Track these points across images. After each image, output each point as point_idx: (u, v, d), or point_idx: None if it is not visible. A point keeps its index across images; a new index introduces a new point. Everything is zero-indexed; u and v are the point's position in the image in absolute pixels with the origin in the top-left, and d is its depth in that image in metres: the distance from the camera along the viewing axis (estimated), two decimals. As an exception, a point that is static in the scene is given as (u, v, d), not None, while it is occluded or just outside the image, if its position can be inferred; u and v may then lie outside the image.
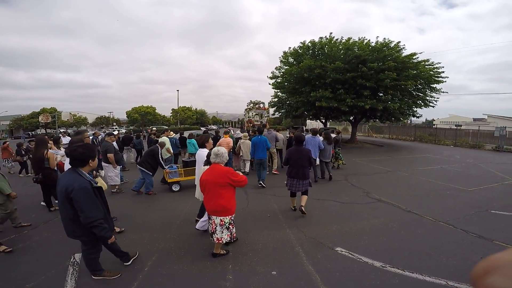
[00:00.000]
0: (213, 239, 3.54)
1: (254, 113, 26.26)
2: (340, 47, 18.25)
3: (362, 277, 3.20)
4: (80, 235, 2.96)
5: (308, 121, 35.80)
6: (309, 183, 5.33)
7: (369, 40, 18.41)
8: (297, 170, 5.18)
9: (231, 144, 8.55)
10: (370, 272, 3.29)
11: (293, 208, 5.48)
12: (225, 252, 3.79)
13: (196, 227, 4.46)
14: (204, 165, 4.17)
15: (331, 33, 19.10)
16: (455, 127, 22.31)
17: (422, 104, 18.69)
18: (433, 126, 29.31)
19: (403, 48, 17.70)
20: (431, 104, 18.98)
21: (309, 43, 19.69)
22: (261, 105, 26.47)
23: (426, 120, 53.54)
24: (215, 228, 3.49)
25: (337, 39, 18.97)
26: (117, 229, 4.54)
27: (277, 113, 25.49)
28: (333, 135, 10.26)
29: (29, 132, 47.24)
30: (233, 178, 3.51)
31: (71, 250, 3.90)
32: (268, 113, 28.02)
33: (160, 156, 6.97)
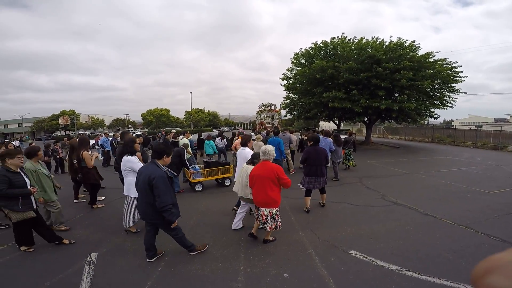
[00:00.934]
0: (266, 228, 3.96)
1: (265, 116, 26.57)
2: (353, 47, 17.95)
3: (377, 280, 3.11)
4: (153, 218, 3.47)
5: (321, 123, 35.42)
6: (325, 180, 5.61)
7: (383, 39, 18.01)
8: (315, 168, 5.42)
9: None
10: (385, 275, 3.20)
11: (306, 210, 5.44)
12: (273, 238, 4.19)
13: (232, 227, 4.67)
14: (247, 164, 4.54)
15: (343, 33, 18.82)
16: (476, 128, 21.46)
17: (440, 104, 18.10)
18: (452, 127, 28.31)
19: (419, 47, 17.22)
20: (449, 104, 18.33)
21: (321, 44, 19.45)
22: (273, 108, 26.77)
23: (444, 120, 51.87)
24: (266, 218, 3.90)
25: (349, 39, 18.65)
26: (133, 229, 4.63)
27: (289, 114, 25.35)
28: (343, 136, 10.20)
29: (51, 134, 49.09)
30: (280, 176, 3.88)
31: (88, 249, 4.02)
32: (280, 115, 28.20)
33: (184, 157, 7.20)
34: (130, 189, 4.38)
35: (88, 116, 51.46)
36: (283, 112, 26.05)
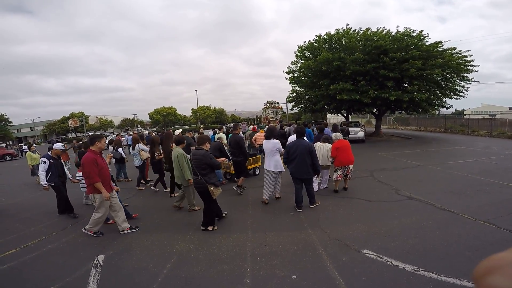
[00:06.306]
0: (348, 177, 6.28)
1: (270, 112, 29.11)
2: (359, 38, 17.46)
3: (392, 282, 2.94)
4: (309, 174, 5.08)
5: (328, 115, 34.85)
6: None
7: (389, 30, 17.46)
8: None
9: None
10: (401, 276, 3.02)
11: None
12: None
13: (318, 187, 6.41)
14: (321, 143, 6.32)
15: (347, 24, 18.33)
16: (489, 117, 20.72)
17: (452, 94, 17.55)
18: (465, 116, 27.47)
19: (427, 36, 16.63)
20: (461, 94, 17.77)
21: (325, 36, 18.95)
22: (276, 104, 29.56)
23: (456, 110, 50.41)
24: (350, 171, 6.24)
25: (354, 30, 18.13)
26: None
27: (296, 108, 25.22)
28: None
29: (62, 136, 49.98)
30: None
31: (95, 252, 3.98)
32: (282, 111, 30.70)
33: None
34: (277, 165, 5.51)
35: (97, 117, 52.14)
36: (289, 105, 26.94)
